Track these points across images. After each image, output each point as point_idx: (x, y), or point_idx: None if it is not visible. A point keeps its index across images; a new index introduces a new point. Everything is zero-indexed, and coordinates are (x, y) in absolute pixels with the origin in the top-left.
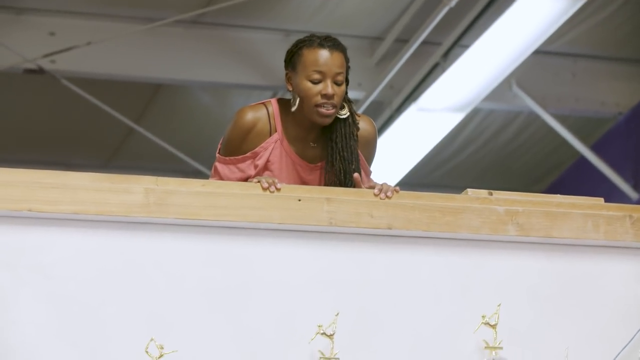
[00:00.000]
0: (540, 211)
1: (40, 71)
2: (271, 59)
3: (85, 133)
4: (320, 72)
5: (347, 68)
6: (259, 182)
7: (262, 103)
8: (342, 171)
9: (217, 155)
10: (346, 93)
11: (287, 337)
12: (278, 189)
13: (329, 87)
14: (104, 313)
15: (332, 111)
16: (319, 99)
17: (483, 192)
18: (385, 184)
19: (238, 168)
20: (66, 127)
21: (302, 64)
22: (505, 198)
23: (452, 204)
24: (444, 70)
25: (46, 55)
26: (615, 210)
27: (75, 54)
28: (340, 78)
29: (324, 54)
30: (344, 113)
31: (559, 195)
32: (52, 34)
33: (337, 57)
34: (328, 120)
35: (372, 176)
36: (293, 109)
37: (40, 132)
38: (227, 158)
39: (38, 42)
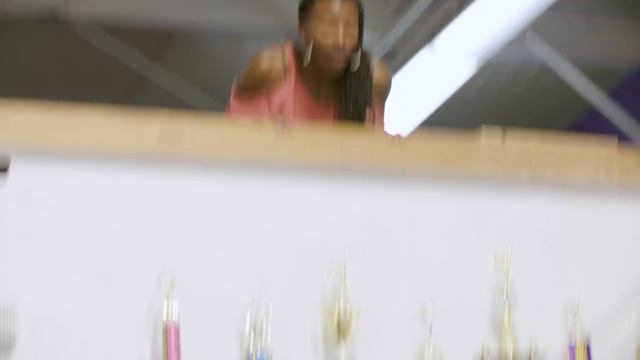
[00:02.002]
0: (554, 155)
1: (53, 17)
2: (284, 1)
3: (98, 80)
4: (332, 20)
5: (361, 17)
6: (273, 121)
7: (279, 46)
8: (355, 118)
9: (232, 94)
10: (361, 42)
11: (299, 273)
12: (292, 128)
13: (340, 35)
14: (117, 249)
15: (343, 58)
16: (330, 47)
17: (497, 130)
18: (397, 134)
19: (252, 108)
20: (79, 74)
21: (315, 12)
22: (519, 144)
23: (465, 147)
24: (458, 16)
25: None
26: (628, 154)
27: None
28: (353, 26)
29: (337, 2)
30: (357, 63)
31: (572, 138)
32: None
33: (350, 5)
34: (339, 66)
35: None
36: (306, 60)
37: (52, 78)
38: (242, 97)
39: None
